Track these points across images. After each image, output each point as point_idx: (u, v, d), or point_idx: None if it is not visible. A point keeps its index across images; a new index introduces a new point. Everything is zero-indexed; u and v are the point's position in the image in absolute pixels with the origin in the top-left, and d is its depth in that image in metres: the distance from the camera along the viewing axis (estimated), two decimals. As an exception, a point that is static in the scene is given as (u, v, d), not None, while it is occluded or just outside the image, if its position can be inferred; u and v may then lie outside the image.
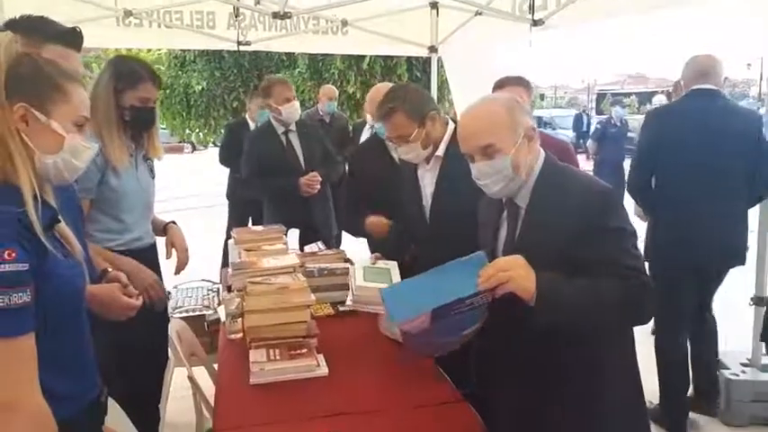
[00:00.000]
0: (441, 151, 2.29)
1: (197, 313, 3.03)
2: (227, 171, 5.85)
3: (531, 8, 4.18)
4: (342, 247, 3.70)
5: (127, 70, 2.26)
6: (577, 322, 1.53)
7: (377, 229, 2.81)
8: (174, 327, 2.41)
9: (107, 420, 1.53)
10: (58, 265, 1.26)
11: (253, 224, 5.36)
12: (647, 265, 1.90)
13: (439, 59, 5.63)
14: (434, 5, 5.10)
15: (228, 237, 5.18)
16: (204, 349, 2.63)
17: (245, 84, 11.75)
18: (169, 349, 2.52)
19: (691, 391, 3.26)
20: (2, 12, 3.44)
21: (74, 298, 1.35)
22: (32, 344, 1.18)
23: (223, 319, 2.43)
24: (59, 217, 1.36)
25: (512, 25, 4.52)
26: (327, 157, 4.05)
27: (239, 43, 5.10)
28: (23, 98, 1.26)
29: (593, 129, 10.84)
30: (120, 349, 1.92)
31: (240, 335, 2.25)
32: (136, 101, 2.25)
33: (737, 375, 3.22)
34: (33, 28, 1.77)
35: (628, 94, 29.28)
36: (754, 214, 3.20)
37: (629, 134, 8.85)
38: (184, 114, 12.44)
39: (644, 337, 3.12)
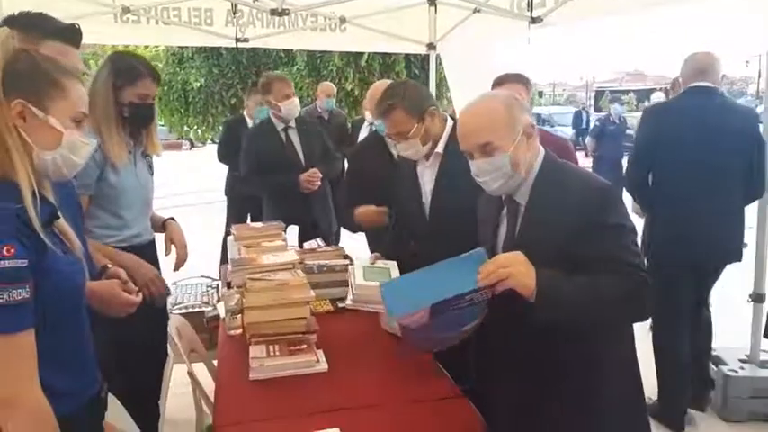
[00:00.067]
0: (440, 148, 2.29)
1: (196, 309, 3.04)
2: (225, 168, 5.85)
3: (530, 5, 4.18)
4: (340, 244, 3.71)
5: (126, 66, 2.25)
6: (577, 319, 1.54)
7: (366, 218, 2.81)
8: (174, 323, 2.41)
9: (107, 416, 1.53)
10: (57, 261, 1.26)
11: (251, 221, 5.36)
12: (644, 261, 1.90)
13: (437, 57, 5.63)
14: (433, 2, 5.08)
15: (227, 233, 5.19)
16: (203, 345, 2.63)
17: (243, 81, 11.74)
18: (168, 346, 2.52)
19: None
20: (0, 8, 3.43)
21: (73, 294, 1.35)
22: (32, 340, 1.18)
23: (222, 315, 2.43)
24: (58, 213, 1.36)
25: (510, 22, 4.52)
26: (327, 153, 4.05)
27: (237, 40, 5.09)
28: (21, 94, 1.26)
29: (592, 126, 10.86)
30: (120, 346, 1.93)
31: (240, 331, 2.25)
32: (135, 97, 2.24)
33: (736, 372, 3.24)
34: (32, 24, 1.77)
35: (626, 92, 29.26)
36: (752, 211, 3.21)
37: (628, 131, 8.87)
38: (182, 111, 12.43)
39: (643, 334, 3.13)
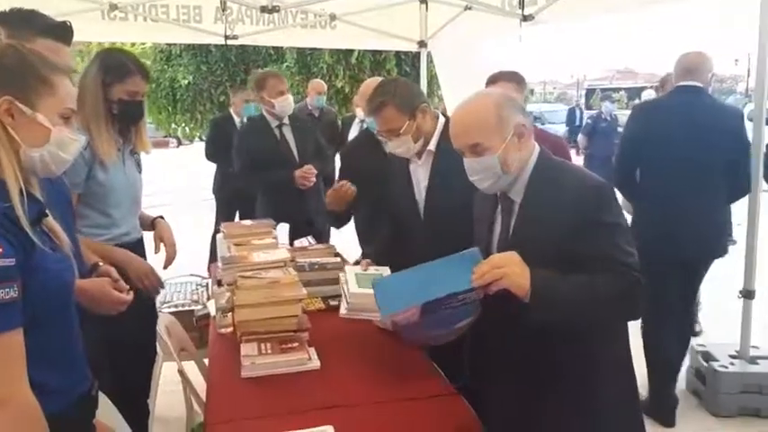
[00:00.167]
0: (432, 145, 2.28)
1: (186, 308, 3.02)
2: (213, 166, 5.82)
3: (521, 3, 4.19)
4: (331, 242, 3.70)
5: (115, 63, 2.23)
6: (571, 319, 1.54)
7: (334, 199, 2.77)
8: (164, 321, 2.39)
9: (98, 414, 1.52)
10: (45, 259, 1.25)
11: (240, 219, 5.34)
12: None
13: (428, 54, 5.63)
14: (424, 0, 5.08)
15: (216, 232, 5.17)
16: (193, 344, 2.61)
17: (231, 78, 11.72)
18: (157, 344, 2.50)
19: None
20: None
21: (62, 292, 1.34)
22: (20, 339, 1.17)
23: (213, 313, 2.42)
24: (46, 211, 1.34)
25: (501, 20, 4.53)
26: (320, 150, 4.06)
27: (227, 37, 5.08)
28: (8, 91, 1.24)
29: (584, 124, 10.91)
30: (110, 344, 1.91)
31: (230, 329, 2.23)
32: (124, 94, 2.22)
33: (726, 367, 3.26)
34: (24, 20, 1.75)
35: (617, 90, 29.41)
36: (742, 208, 3.23)
37: (619, 129, 8.91)
38: (170, 109, 12.39)
39: (635, 329, 3.15)
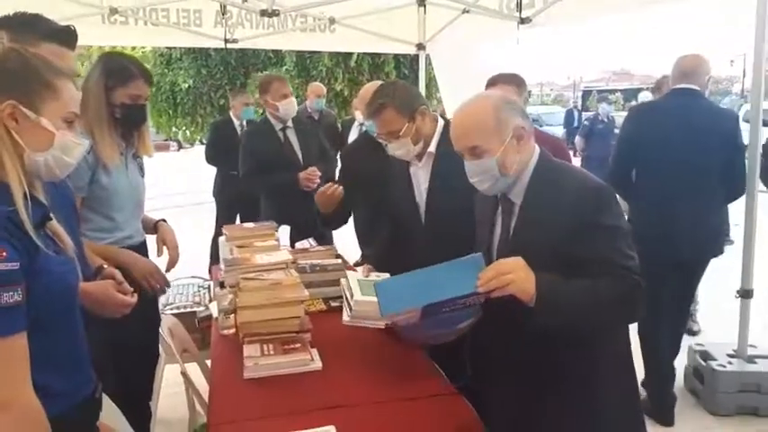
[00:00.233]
0: (432, 147, 2.29)
1: (188, 310, 3.03)
2: (213, 169, 5.84)
3: (519, 6, 4.21)
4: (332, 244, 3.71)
5: (117, 67, 2.24)
6: (574, 323, 1.54)
7: (322, 200, 2.76)
8: (166, 323, 2.41)
9: (101, 417, 1.53)
10: (49, 262, 1.26)
11: (241, 221, 5.35)
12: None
13: (427, 57, 5.65)
14: (422, 3, 5.11)
15: (216, 234, 5.19)
16: (195, 345, 2.63)
17: (231, 81, 11.75)
18: (160, 346, 2.52)
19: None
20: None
21: (66, 295, 1.34)
22: (24, 343, 1.18)
23: (215, 315, 2.43)
24: (50, 215, 1.35)
25: (499, 23, 4.55)
26: (323, 153, 4.09)
27: (226, 41, 5.09)
28: (12, 95, 1.24)
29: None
30: (114, 346, 1.92)
31: (233, 331, 2.25)
32: (126, 98, 2.22)
33: (724, 366, 3.28)
34: (28, 25, 1.76)
35: (613, 91, 29.43)
36: (739, 208, 3.26)
37: (616, 130, 8.93)
38: (171, 112, 12.41)
39: (632, 330, 3.16)
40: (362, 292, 2.05)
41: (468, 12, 4.68)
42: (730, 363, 3.31)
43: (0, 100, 1.24)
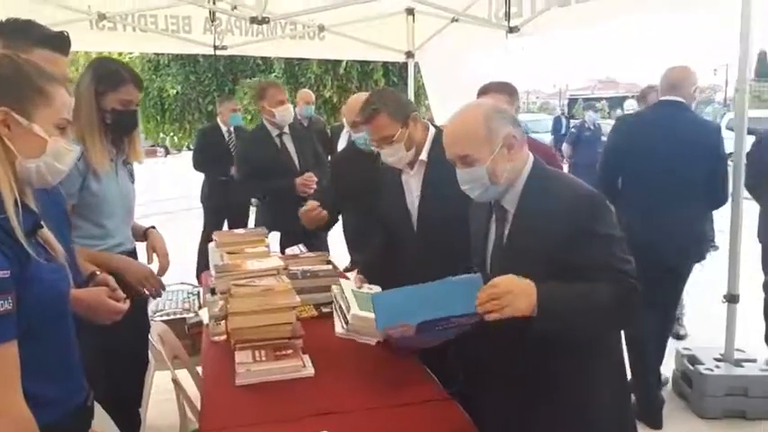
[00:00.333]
0: (424, 156, 2.29)
1: (178, 316, 3.02)
2: (201, 175, 5.82)
3: (507, 15, 4.25)
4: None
5: (107, 72, 2.22)
6: (573, 328, 1.55)
7: (307, 218, 2.76)
8: (156, 330, 2.39)
9: (93, 424, 1.52)
10: (40, 270, 1.25)
11: (230, 228, 5.34)
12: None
13: (416, 65, 5.67)
14: (411, 11, 5.14)
15: (204, 240, 5.17)
16: (186, 352, 2.61)
17: (220, 87, 11.72)
18: (149, 353, 2.50)
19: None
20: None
21: (57, 303, 1.34)
22: (15, 352, 1.17)
23: (205, 321, 2.42)
24: (41, 222, 1.34)
25: (488, 32, 4.59)
26: (319, 158, 4.10)
27: (215, 47, 5.09)
28: (4, 102, 1.24)
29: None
30: (106, 353, 1.91)
31: (224, 337, 2.24)
32: (117, 103, 2.21)
33: (712, 370, 3.32)
34: (20, 31, 1.75)
35: (598, 99, 29.71)
36: (724, 214, 3.31)
37: (603, 138, 9.01)
38: (158, 118, 12.35)
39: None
40: (360, 306, 2.00)
41: (456, 20, 4.72)
42: (718, 367, 3.35)
43: None
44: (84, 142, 2.11)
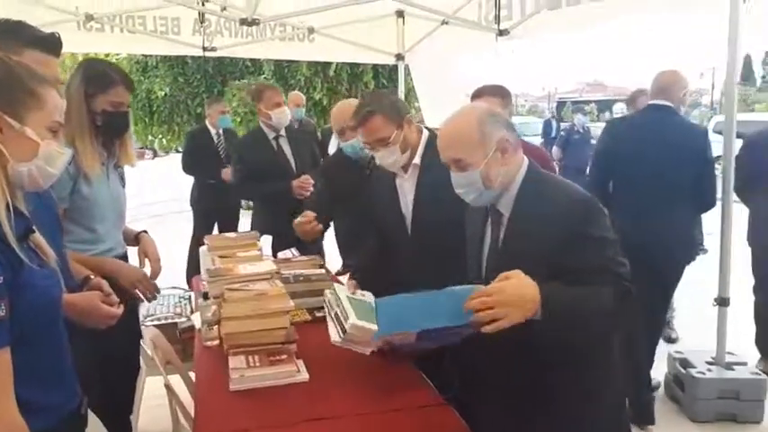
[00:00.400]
0: (418, 159, 2.28)
1: (169, 321, 2.99)
2: (190, 178, 5.78)
3: (497, 19, 4.27)
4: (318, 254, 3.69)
5: (97, 74, 2.19)
6: (571, 330, 1.55)
7: (300, 230, 2.74)
8: (148, 335, 2.36)
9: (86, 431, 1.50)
10: (33, 275, 1.24)
11: (219, 231, 5.31)
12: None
13: (406, 67, 5.67)
14: (401, 14, 5.14)
15: (194, 244, 5.13)
16: (177, 357, 2.59)
17: (208, 89, 11.65)
18: (140, 358, 2.47)
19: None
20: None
21: (50, 308, 1.32)
22: (8, 358, 1.16)
23: (198, 326, 2.40)
24: (33, 227, 1.32)
25: (478, 35, 4.60)
26: (315, 161, 4.10)
27: (205, 49, 5.07)
28: None
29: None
30: (99, 358, 1.88)
31: (217, 342, 2.22)
32: (107, 105, 2.18)
33: (703, 374, 3.34)
34: (11, 32, 1.72)
35: (587, 102, 29.89)
36: (714, 217, 3.33)
37: (592, 141, 9.06)
38: (147, 120, 12.27)
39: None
40: (358, 315, 1.88)
41: (447, 23, 4.73)
42: (709, 370, 3.37)
43: None
44: (74, 145, 2.08)
